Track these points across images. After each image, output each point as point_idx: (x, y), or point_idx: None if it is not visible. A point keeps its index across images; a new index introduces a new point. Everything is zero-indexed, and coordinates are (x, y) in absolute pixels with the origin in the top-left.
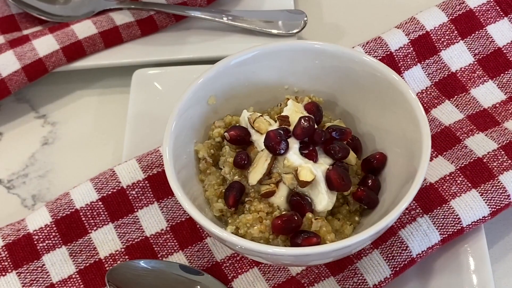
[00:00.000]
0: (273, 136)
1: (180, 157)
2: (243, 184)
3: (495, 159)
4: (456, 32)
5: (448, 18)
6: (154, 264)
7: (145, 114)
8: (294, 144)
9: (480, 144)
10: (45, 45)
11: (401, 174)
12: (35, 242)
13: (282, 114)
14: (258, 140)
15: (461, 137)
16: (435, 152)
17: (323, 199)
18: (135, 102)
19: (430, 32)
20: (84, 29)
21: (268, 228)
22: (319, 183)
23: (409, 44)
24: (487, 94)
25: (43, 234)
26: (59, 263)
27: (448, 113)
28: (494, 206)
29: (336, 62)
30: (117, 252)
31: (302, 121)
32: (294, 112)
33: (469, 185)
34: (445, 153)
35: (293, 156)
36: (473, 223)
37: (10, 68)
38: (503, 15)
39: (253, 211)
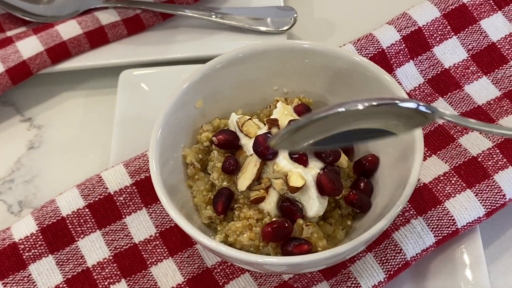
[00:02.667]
0: (262, 141)
1: (167, 163)
2: (232, 190)
3: (490, 158)
4: (449, 27)
5: (441, 13)
6: None
7: (132, 116)
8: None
9: (475, 143)
10: (29, 47)
11: (394, 176)
12: (21, 252)
13: (271, 117)
14: (247, 144)
15: (455, 136)
16: (429, 151)
17: (314, 205)
18: (122, 104)
19: (423, 28)
20: (68, 30)
21: (258, 236)
22: (309, 188)
23: (401, 40)
24: (481, 90)
25: (29, 243)
26: (46, 272)
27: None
28: (490, 206)
29: (326, 62)
30: (105, 260)
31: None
32: (284, 114)
33: (464, 185)
34: (439, 152)
35: (283, 160)
36: (468, 224)
37: None
38: (497, 9)
39: (242, 218)
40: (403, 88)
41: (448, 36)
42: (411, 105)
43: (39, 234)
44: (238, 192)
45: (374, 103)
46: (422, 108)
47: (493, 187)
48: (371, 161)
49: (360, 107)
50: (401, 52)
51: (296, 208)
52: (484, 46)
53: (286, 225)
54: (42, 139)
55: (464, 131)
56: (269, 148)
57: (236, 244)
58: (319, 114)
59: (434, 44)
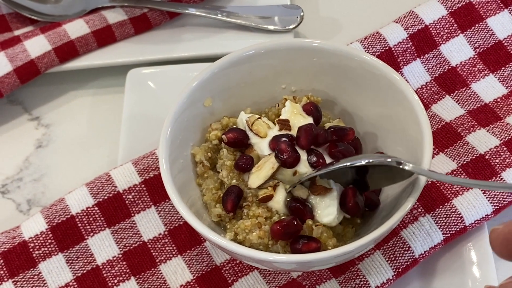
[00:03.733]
0: (285, 149)
1: (176, 161)
2: (241, 188)
3: (497, 156)
4: (455, 25)
5: (448, 11)
6: None
7: (140, 115)
8: (302, 155)
9: (482, 140)
10: (37, 46)
11: None
12: (31, 250)
13: (281, 116)
14: (258, 143)
15: (462, 133)
16: (436, 149)
17: (331, 213)
18: (130, 102)
19: (429, 26)
20: (76, 29)
21: (267, 234)
22: (333, 196)
23: (408, 38)
24: (488, 88)
25: (38, 241)
26: (55, 270)
27: (449, 108)
28: (497, 204)
29: (334, 60)
30: (114, 258)
31: (304, 131)
32: (293, 113)
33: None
34: (446, 150)
35: (303, 168)
36: (476, 222)
37: (1, 70)
38: (503, 7)
39: (251, 216)
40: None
41: (454, 34)
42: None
43: (49, 232)
44: (247, 190)
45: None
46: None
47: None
48: None
49: (362, 162)
50: (408, 50)
51: (306, 209)
52: (490, 44)
53: (295, 223)
54: (50, 138)
55: (472, 128)
56: (293, 157)
57: (245, 242)
58: (328, 168)
59: (441, 42)
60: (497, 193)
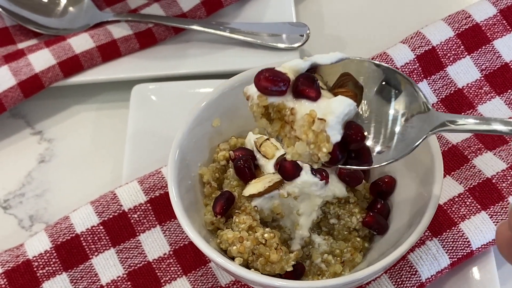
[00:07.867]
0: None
1: (184, 181)
2: (233, 194)
3: (504, 180)
4: (462, 47)
5: (455, 32)
6: None
7: (145, 131)
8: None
9: (489, 164)
10: (41, 60)
11: (412, 198)
12: (35, 269)
13: None
14: (265, 165)
15: (469, 156)
16: (444, 172)
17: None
18: (135, 118)
19: (436, 47)
20: (81, 43)
21: (248, 250)
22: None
23: (415, 59)
24: (495, 111)
25: (43, 260)
26: None
27: None
28: None
29: None
30: (119, 278)
31: None
32: None
33: (478, 206)
34: (453, 173)
35: (306, 177)
36: (483, 246)
37: (5, 84)
38: (510, 29)
39: (237, 223)
40: None
41: (461, 56)
42: None
43: (53, 251)
44: (242, 201)
45: None
46: None
47: (507, 209)
48: (388, 182)
49: None
50: (415, 71)
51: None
52: (497, 66)
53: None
54: (53, 153)
55: (478, 151)
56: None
57: (228, 252)
58: None
59: (448, 63)
60: (504, 218)
